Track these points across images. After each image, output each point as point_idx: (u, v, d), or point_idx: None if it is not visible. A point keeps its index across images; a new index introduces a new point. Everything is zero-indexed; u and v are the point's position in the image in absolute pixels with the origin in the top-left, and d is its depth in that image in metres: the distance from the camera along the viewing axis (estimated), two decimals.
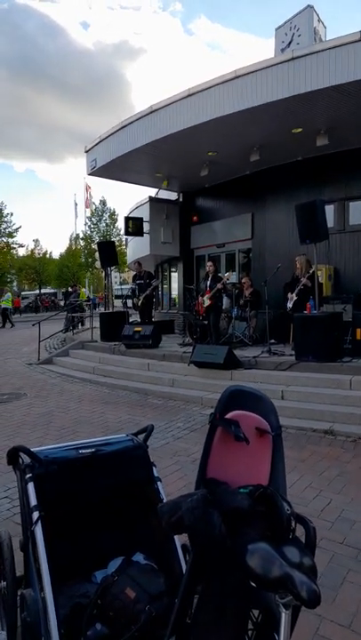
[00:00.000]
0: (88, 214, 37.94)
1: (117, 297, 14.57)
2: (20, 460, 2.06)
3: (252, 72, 7.25)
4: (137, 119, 9.21)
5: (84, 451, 2.17)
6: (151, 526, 2.12)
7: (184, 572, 1.92)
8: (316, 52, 6.67)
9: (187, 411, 6.10)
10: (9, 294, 21.81)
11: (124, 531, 2.16)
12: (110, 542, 2.10)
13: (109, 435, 4.90)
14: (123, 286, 31.61)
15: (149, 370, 8.07)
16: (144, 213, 12.81)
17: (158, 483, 2.15)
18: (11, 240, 34.22)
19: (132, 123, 9.35)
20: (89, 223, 38.55)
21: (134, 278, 10.24)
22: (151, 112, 8.83)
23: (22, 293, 44.90)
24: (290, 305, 7.85)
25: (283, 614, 1.09)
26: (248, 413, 1.52)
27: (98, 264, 16.96)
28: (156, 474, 2.17)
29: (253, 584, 1.11)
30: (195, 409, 6.17)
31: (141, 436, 2.34)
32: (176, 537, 1.95)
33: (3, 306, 21.18)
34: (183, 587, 1.31)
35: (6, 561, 1.97)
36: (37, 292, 45.20)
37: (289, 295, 7.94)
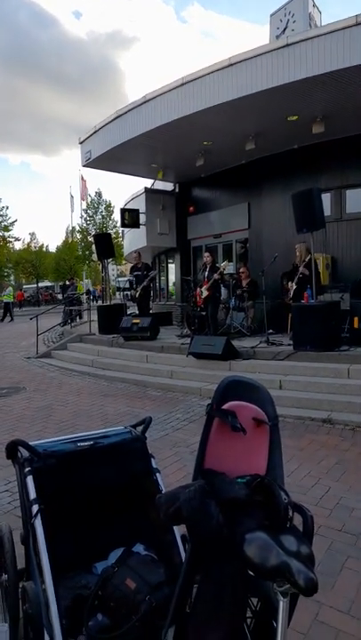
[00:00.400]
0: (84, 207, 37.65)
1: (119, 289, 14.50)
2: (19, 454, 2.06)
3: (247, 59, 7.17)
4: (131, 109, 9.11)
5: (82, 444, 2.18)
6: (151, 517, 2.14)
7: (184, 562, 1.94)
8: (311, 37, 6.58)
9: (186, 402, 6.11)
10: (10, 289, 21.80)
11: (124, 522, 2.17)
12: (110, 534, 2.11)
13: (108, 427, 4.93)
14: (120, 279, 31.54)
15: (148, 362, 8.08)
16: (140, 205, 12.74)
17: (157, 474, 2.15)
18: (7, 234, 33.95)
19: (126, 113, 9.25)
20: (85, 215, 38.28)
21: (132, 270, 10.19)
22: (145, 102, 8.73)
23: (23, 287, 44.80)
24: (291, 294, 7.82)
25: (281, 602, 1.09)
26: (245, 404, 1.52)
27: (95, 256, 16.88)
28: (154, 465, 2.18)
29: (252, 573, 1.11)
30: (193, 400, 6.19)
31: (140, 428, 2.34)
32: (175, 527, 1.96)
33: (5, 300, 21.17)
34: (182, 577, 1.31)
35: (7, 554, 1.98)
36: (37, 285, 45.07)
37: (289, 284, 7.93)
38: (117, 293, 17.40)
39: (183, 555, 1.94)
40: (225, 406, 1.51)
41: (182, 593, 1.29)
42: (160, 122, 8.50)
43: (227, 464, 1.45)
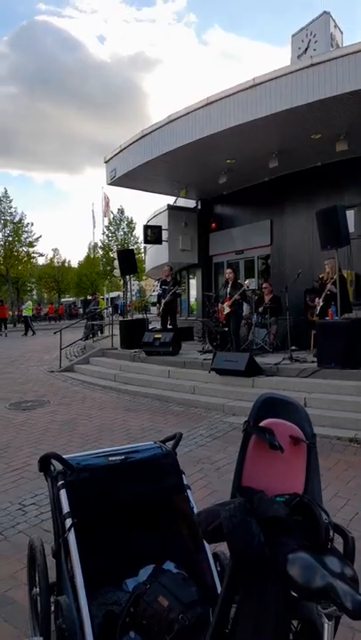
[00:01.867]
0: (106, 223, 38.36)
1: (154, 304, 14.59)
2: (52, 468, 2.08)
3: (271, 79, 7.28)
4: (155, 129, 9.31)
5: (113, 458, 2.19)
6: (181, 534, 2.13)
7: (215, 581, 1.92)
8: (335, 57, 6.66)
9: (208, 418, 6.08)
10: (29, 302, 22.17)
11: (154, 538, 2.16)
12: (140, 550, 2.10)
13: (132, 442, 4.94)
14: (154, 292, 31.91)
15: (170, 377, 8.08)
16: (162, 221, 12.90)
17: (188, 491, 2.15)
18: (31, 249, 34.79)
19: (150, 133, 9.46)
20: (107, 232, 38.97)
21: (162, 284, 10.21)
22: (170, 122, 8.92)
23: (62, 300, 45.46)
24: (317, 311, 7.75)
25: (326, 625, 1.08)
26: (282, 421, 1.52)
27: (117, 272, 17.14)
28: (185, 481, 2.18)
29: (295, 594, 1.10)
30: (216, 416, 6.14)
31: (170, 444, 2.34)
32: (207, 546, 1.95)
33: (24, 314, 21.55)
34: (221, 596, 1.30)
35: (39, 567, 1.99)
36: (73, 299, 45.80)
37: (316, 301, 7.87)
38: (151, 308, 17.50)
39: (215, 574, 1.92)
40: (262, 423, 1.51)
41: (221, 613, 1.28)
42: (184, 141, 8.66)
43: (264, 482, 1.44)
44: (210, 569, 1.90)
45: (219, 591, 1.86)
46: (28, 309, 21.69)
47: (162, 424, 5.80)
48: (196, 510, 2.10)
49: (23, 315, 21.69)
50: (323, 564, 1.10)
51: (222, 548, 1.54)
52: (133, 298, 24.30)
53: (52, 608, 1.87)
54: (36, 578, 2.06)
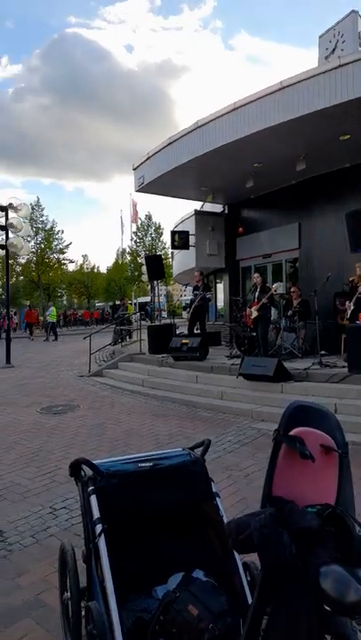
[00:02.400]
0: (134, 229, 38.80)
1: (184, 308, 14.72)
2: (82, 473, 2.11)
3: (299, 82, 7.21)
4: (183, 135, 9.37)
5: (142, 464, 2.20)
6: (210, 542, 2.11)
7: (246, 591, 1.89)
8: None
9: (237, 424, 6.03)
10: (52, 308, 22.52)
11: (184, 546, 2.15)
12: (169, 557, 2.10)
13: (160, 447, 4.95)
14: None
15: (198, 382, 8.06)
16: (190, 227, 12.94)
17: (217, 498, 2.13)
18: (61, 256, 35.62)
19: (178, 139, 9.53)
20: (135, 238, 39.40)
21: (193, 289, 10.23)
22: (197, 127, 8.96)
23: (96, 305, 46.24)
24: (348, 314, 7.59)
25: None
26: (312, 430, 1.49)
27: (145, 277, 17.26)
28: (214, 489, 2.16)
29: (328, 608, 1.08)
30: (245, 422, 6.08)
31: (198, 451, 2.34)
32: (237, 555, 1.92)
33: (48, 320, 21.92)
34: (253, 608, 1.29)
35: (70, 572, 2.01)
36: (87, 304, 46.52)
37: (347, 304, 7.72)
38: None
39: (245, 584, 1.90)
40: (292, 432, 1.49)
41: (253, 625, 1.26)
42: (211, 146, 8.68)
43: (295, 492, 1.42)
44: (240, 578, 1.88)
45: (249, 601, 1.84)
46: (52, 315, 22.06)
47: (190, 430, 5.79)
48: (225, 518, 2.08)
49: (48, 321, 22.09)
50: (357, 578, 1.07)
51: (253, 557, 1.53)
52: (161, 303, 24.47)
53: (83, 613, 1.89)
54: (67, 582, 2.09)
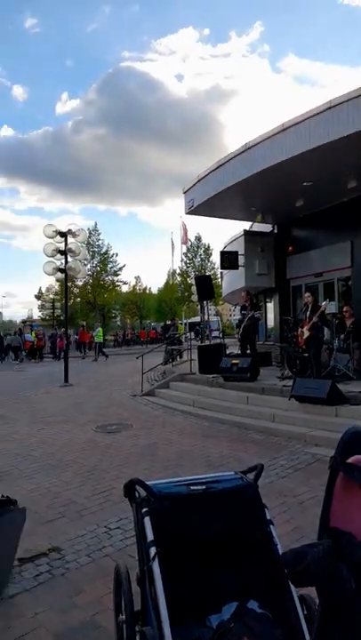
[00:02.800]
0: (184, 250, 39.42)
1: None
2: (136, 494, 2.14)
3: (348, 100, 7.14)
4: (232, 157, 9.51)
5: (195, 487, 2.20)
6: (264, 571, 2.06)
7: (302, 625, 1.83)
8: None
9: (289, 448, 5.87)
10: (99, 329, 22.99)
11: (236, 574, 2.11)
12: (223, 585, 2.07)
13: (212, 470, 4.91)
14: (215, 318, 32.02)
15: (248, 403, 7.95)
16: (239, 247, 12.98)
17: (271, 526, 2.09)
18: (116, 278, 36.79)
19: (227, 162, 9.68)
20: (185, 259, 39.98)
21: (241, 309, 10.22)
22: (246, 149, 9.07)
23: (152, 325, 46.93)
24: None
25: None
26: None
27: (194, 297, 17.38)
28: (268, 516, 2.12)
29: None
30: (298, 446, 5.91)
31: (251, 475, 2.31)
32: (292, 587, 1.87)
33: (95, 340, 22.39)
34: None
35: (125, 595, 2.03)
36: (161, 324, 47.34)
37: None
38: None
39: (302, 618, 1.83)
40: (350, 460, 1.44)
41: None
42: (260, 167, 8.73)
43: (353, 523, 1.37)
44: (296, 612, 1.82)
45: (305, 636, 1.78)
46: (98, 336, 22.54)
47: (241, 452, 5.71)
48: (279, 547, 2.04)
49: (95, 341, 22.55)
50: None
51: (309, 589, 1.48)
52: (215, 322, 24.46)
53: (138, 638, 1.89)
54: (122, 605, 2.11)
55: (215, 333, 19.17)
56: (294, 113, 8.19)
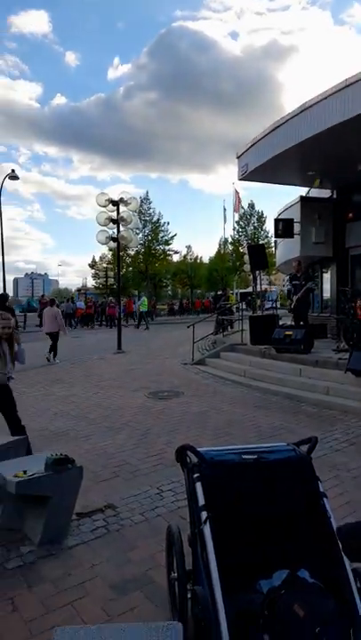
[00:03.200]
0: (236, 218, 38.55)
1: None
2: (188, 459, 2.18)
3: None
4: (289, 119, 9.00)
5: (246, 456, 2.20)
6: (315, 543, 2.05)
7: (355, 598, 1.81)
8: None
9: (344, 422, 5.72)
10: (144, 298, 23.16)
11: (288, 543, 2.12)
12: (273, 552, 2.08)
13: (263, 440, 4.91)
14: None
15: (301, 376, 7.81)
16: (294, 214, 12.44)
17: (324, 499, 2.07)
18: (167, 247, 36.77)
19: (283, 123, 9.18)
20: (237, 227, 39.13)
21: (291, 279, 9.93)
22: (303, 110, 8.54)
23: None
24: None
25: None
26: None
27: (247, 267, 17.04)
28: (321, 489, 2.10)
29: None
30: (353, 421, 5.75)
31: (304, 447, 2.27)
32: (346, 560, 1.85)
33: (141, 309, 22.68)
34: None
35: (177, 555, 2.11)
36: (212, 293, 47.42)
37: None
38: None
39: (355, 591, 1.82)
40: None
41: None
42: (320, 128, 8.20)
43: None
44: (350, 585, 1.81)
45: (358, 609, 1.76)
46: (143, 305, 22.76)
47: (293, 424, 5.65)
48: (333, 520, 2.01)
49: (140, 310, 22.86)
50: None
51: None
52: (274, 293, 23.99)
53: (189, 595, 1.96)
54: (174, 563, 2.19)
55: (270, 304, 18.75)
56: (358, 68, 7.55)
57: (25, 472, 2.98)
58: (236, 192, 31.64)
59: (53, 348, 11.17)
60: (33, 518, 3.08)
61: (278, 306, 16.89)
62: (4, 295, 17.86)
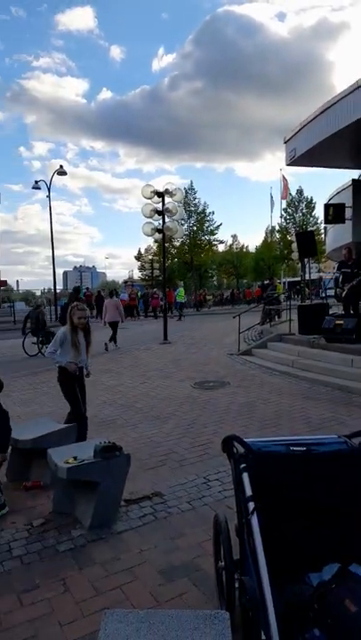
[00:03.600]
0: (284, 206, 37.61)
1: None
2: (234, 449, 2.16)
3: None
4: (340, 99, 8.60)
5: (295, 448, 2.15)
6: None
7: None
8: None
9: None
10: (180, 289, 22.86)
11: (337, 536, 2.05)
12: (323, 546, 2.03)
13: (313, 432, 4.79)
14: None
15: (353, 366, 7.52)
16: (346, 198, 11.94)
17: None
18: (212, 237, 36.50)
19: (334, 104, 8.78)
20: (285, 215, 38.18)
21: (340, 266, 9.55)
22: (357, 88, 8.13)
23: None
24: None
25: None
26: None
27: (295, 255, 16.62)
28: None
29: None
30: None
31: (355, 440, 2.19)
32: None
33: (178, 300, 22.44)
34: None
35: (224, 544, 2.10)
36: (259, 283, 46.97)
37: None
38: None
39: None
40: None
41: None
42: None
43: None
44: None
45: None
46: (180, 295, 22.49)
47: (344, 416, 5.46)
48: None
49: (176, 300, 22.61)
50: None
51: None
52: (328, 280, 23.21)
53: (237, 585, 1.95)
54: (221, 552, 2.18)
55: (328, 292, 18.12)
56: None
57: (75, 458, 3.07)
58: (284, 178, 30.85)
59: (114, 337, 11.83)
60: (83, 503, 3.18)
61: (325, 295, 16.31)
62: (78, 288, 18.44)
